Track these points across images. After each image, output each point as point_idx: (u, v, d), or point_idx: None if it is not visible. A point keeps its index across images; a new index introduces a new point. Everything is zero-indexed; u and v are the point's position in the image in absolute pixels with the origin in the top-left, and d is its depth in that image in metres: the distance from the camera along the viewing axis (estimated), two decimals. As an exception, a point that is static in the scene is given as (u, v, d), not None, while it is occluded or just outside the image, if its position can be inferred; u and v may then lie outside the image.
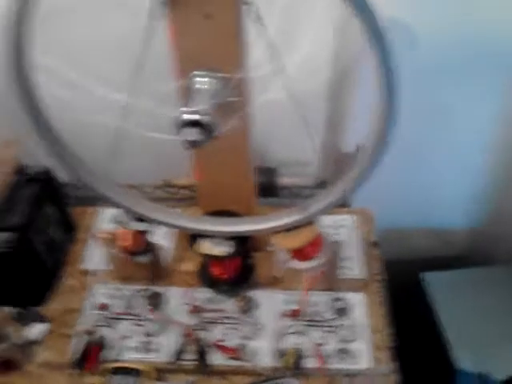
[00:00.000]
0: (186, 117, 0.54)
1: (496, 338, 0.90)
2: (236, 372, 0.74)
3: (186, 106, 0.56)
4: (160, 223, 0.73)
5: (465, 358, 0.86)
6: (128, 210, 0.72)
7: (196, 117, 0.54)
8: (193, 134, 0.54)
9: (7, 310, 0.84)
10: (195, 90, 0.59)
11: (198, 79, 0.59)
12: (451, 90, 0.86)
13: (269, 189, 0.92)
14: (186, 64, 0.60)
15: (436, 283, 0.98)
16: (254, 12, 0.56)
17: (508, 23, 0.77)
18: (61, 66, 0.67)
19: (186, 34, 0.58)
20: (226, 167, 0.73)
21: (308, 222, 0.69)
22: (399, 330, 0.78)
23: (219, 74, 0.59)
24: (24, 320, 0.83)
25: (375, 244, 0.89)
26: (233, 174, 0.74)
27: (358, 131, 0.89)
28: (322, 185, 0.99)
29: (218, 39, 0.58)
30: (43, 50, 0.58)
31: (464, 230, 1.15)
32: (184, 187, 1.03)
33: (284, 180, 0.96)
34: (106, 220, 0.97)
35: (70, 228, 0.96)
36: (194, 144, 0.55)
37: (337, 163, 0.95)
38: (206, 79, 0.59)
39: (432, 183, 1.05)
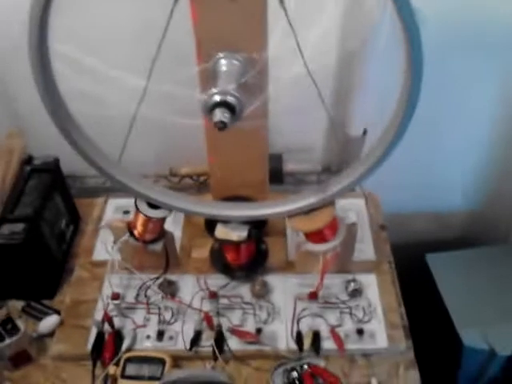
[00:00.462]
0: (218, 98, 0.55)
1: (499, 314, 0.93)
2: (255, 356, 0.74)
3: (212, 88, 0.56)
4: (178, 209, 0.73)
5: (471, 335, 0.89)
6: (144, 197, 0.72)
7: (227, 97, 0.55)
8: (224, 115, 0.55)
9: (18, 303, 0.83)
10: (221, 72, 0.59)
11: (223, 61, 0.60)
12: (454, 67, 0.88)
13: (274, 175, 0.93)
14: (210, 47, 0.60)
15: (439, 264, 1.01)
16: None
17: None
18: (77, 52, 0.66)
19: (210, 16, 0.58)
20: (241, 150, 0.73)
21: (326, 204, 0.70)
22: (407, 310, 0.80)
23: (243, 55, 0.60)
24: (35, 313, 0.82)
25: (383, 227, 0.91)
26: (248, 158, 0.74)
27: (363, 115, 0.92)
28: (327, 170, 1.01)
29: (242, 21, 0.58)
30: (60, 38, 0.57)
31: (463, 212, 1.19)
32: (187, 176, 1.03)
33: (289, 166, 0.97)
34: (111, 211, 0.96)
35: (76, 219, 0.95)
36: (223, 125, 0.56)
37: (343, 147, 0.96)
38: (231, 61, 0.60)
39: (432, 168, 1.08)
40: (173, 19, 0.60)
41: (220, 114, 0.55)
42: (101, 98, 0.74)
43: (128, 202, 0.96)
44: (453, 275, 1.00)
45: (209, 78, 0.62)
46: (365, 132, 0.95)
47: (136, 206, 0.74)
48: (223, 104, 0.55)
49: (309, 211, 0.71)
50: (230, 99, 0.55)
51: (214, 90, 0.56)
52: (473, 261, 1.03)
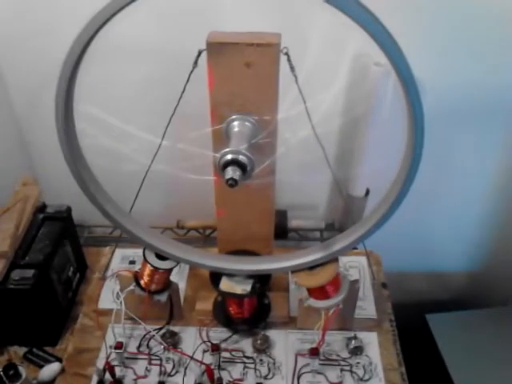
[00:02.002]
0: (230, 157, 0.58)
1: (499, 377, 0.92)
2: (255, 411, 0.74)
3: (225, 147, 0.60)
4: (184, 261, 0.75)
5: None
6: (152, 248, 0.74)
7: (239, 157, 0.58)
8: (235, 173, 0.58)
9: (20, 349, 0.84)
10: (234, 133, 0.63)
11: (236, 123, 0.64)
12: (453, 136, 0.93)
13: (279, 231, 0.95)
14: (224, 109, 0.64)
15: (439, 324, 1.02)
16: (289, 60, 0.62)
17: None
18: (96, 109, 0.71)
19: (226, 81, 0.62)
20: (248, 206, 0.76)
21: (330, 261, 0.72)
22: (407, 370, 0.80)
23: (255, 118, 0.64)
24: (37, 360, 0.82)
25: (384, 285, 0.92)
26: (255, 213, 0.77)
27: (366, 177, 0.96)
28: (330, 228, 1.03)
29: (255, 86, 0.62)
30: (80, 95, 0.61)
31: (463, 273, 1.20)
32: (194, 229, 1.06)
33: (294, 222, 0.99)
34: (118, 260, 0.98)
35: (83, 267, 0.96)
36: (234, 183, 0.59)
37: (346, 206, 0.99)
38: (243, 122, 0.64)
39: (432, 229, 1.10)
40: (190, 81, 0.65)
41: (232, 172, 0.58)
42: (116, 153, 0.78)
43: (134, 252, 0.98)
44: (453, 336, 1.00)
45: (222, 137, 0.66)
46: (367, 193, 0.98)
47: (144, 256, 0.77)
48: (235, 163, 0.59)
49: (312, 267, 0.73)
50: (241, 158, 0.59)
51: (227, 150, 0.59)
52: (473, 322, 1.04)
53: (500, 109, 0.91)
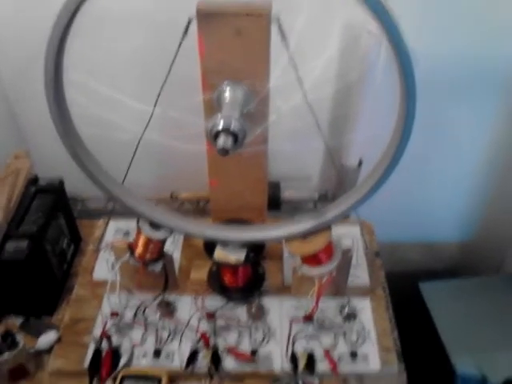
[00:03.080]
0: (222, 125, 0.58)
1: (492, 343, 0.94)
2: (250, 376, 0.76)
3: (217, 115, 0.60)
4: (179, 231, 0.75)
5: (463, 363, 0.90)
6: (146, 218, 0.74)
7: (231, 125, 0.58)
8: (227, 141, 0.58)
9: (17, 319, 0.85)
10: (225, 101, 0.63)
11: (227, 91, 0.63)
12: (446, 107, 0.92)
13: (272, 202, 0.96)
14: (215, 77, 0.64)
15: (432, 293, 1.03)
16: (280, 29, 0.61)
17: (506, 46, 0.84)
18: (87, 77, 0.70)
19: (216, 49, 0.62)
20: (241, 175, 0.76)
21: (323, 229, 0.73)
22: (400, 337, 0.82)
23: (246, 86, 0.63)
24: (34, 329, 0.83)
25: (377, 254, 0.93)
26: (248, 182, 0.77)
27: (359, 147, 0.96)
28: (323, 198, 1.03)
29: (246, 54, 0.62)
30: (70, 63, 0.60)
31: (455, 243, 1.21)
32: (187, 200, 1.06)
33: (287, 194, 0.99)
34: (112, 232, 0.98)
35: (77, 240, 0.97)
36: (225, 151, 0.59)
37: (339, 177, 0.99)
38: (235, 90, 0.63)
39: (424, 199, 1.11)
40: (181, 49, 0.64)
41: (223, 141, 0.58)
42: (108, 122, 0.77)
43: (128, 224, 0.98)
44: (446, 304, 1.01)
45: (213, 106, 0.65)
46: (360, 163, 0.98)
47: (138, 226, 0.77)
48: (227, 131, 0.58)
49: (305, 236, 0.74)
50: (233, 127, 0.59)
51: (218, 118, 0.59)
52: (466, 290, 1.05)
53: (493, 80, 0.91)
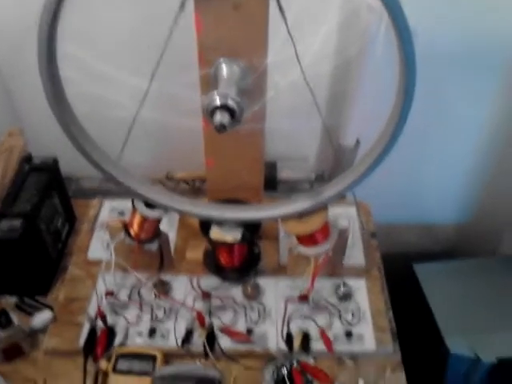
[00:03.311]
0: (219, 101, 0.57)
1: (484, 323, 0.95)
2: (245, 355, 0.75)
3: (213, 91, 0.58)
4: (174, 210, 0.75)
5: (457, 343, 0.91)
6: (142, 197, 0.73)
7: (228, 101, 0.57)
8: (224, 117, 0.57)
9: (11, 298, 0.84)
10: (222, 77, 0.62)
11: (224, 66, 0.62)
12: (445, 85, 0.91)
13: (269, 182, 0.95)
14: (212, 52, 0.62)
15: (427, 274, 1.03)
16: (278, 2, 0.60)
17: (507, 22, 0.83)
18: (81, 52, 0.68)
19: (213, 24, 0.60)
20: (238, 154, 0.75)
21: (319, 209, 0.72)
22: (395, 317, 0.82)
23: (244, 61, 0.62)
24: (28, 309, 0.83)
25: (373, 234, 0.93)
26: (244, 161, 0.76)
27: (357, 126, 0.95)
28: (320, 179, 1.03)
29: (244, 29, 0.61)
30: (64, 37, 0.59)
31: (452, 224, 1.21)
32: (183, 180, 1.05)
33: (283, 174, 0.99)
34: (106, 212, 0.97)
35: (72, 219, 0.96)
36: (223, 128, 0.58)
37: (336, 157, 0.99)
38: (232, 66, 0.62)
39: (421, 180, 1.10)
40: (177, 25, 0.63)
41: (220, 117, 0.57)
42: (103, 98, 0.76)
43: (123, 204, 0.98)
44: (440, 285, 1.02)
45: (210, 82, 0.64)
46: (357, 142, 0.98)
47: (133, 205, 0.76)
48: (224, 107, 0.57)
49: (302, 215, 0.74)
50: (230, 103, 0.58)
51: (215, 94, 0.58)
52: (460, 271, 1.05)
53: (492, 58, 0.90)
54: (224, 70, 0.62)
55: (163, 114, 0.68)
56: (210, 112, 0.58)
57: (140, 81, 0.65)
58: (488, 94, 0.97)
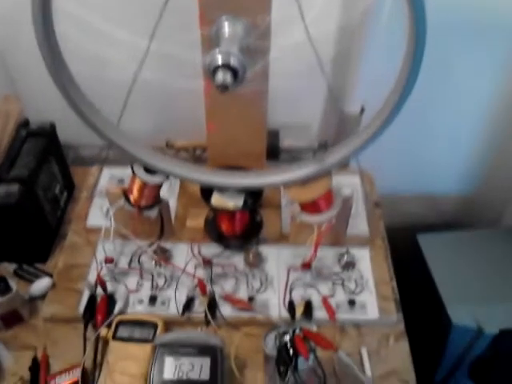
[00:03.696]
0: (220, 59, 0.55)
1: (487, 294, 0.94)
2: (247, 323, 0.75)
3: (215, 50, 0.56)
4: (175, 176, 0.73)
5: (459, 313, 0.90)
6: (142, 162, 0.72)
7: (230, 59, 0.55)
8: (226, 76, 0.55)
9: (10, 266, 0.83)
10: (224, 35, 0.59)
11: (226, 25, 0.60)
12: (452, 54, 0.89)
13: (271, 151, 0.93)
14: (213, 10, 0.60)
15: (430, 244, 1.02)
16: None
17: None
18: (79, 10, 0.65)
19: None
20: (240, 119, 0.73)
21: (323, 175, 0.71)
22: (398, 287, 0.81)
23: (246, 19, 0.60)
24: (27, 276, 0.82)
25: (377, 204, 0.92)
26: (246, 127, 0.74)
27: (361, 92, 0.93)
28: (323, 148, 1.01)
29: (246, -16, 0.58)
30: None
31: (456, 196, 1.20)
32: (183, 149, 1.03)
33: (286, 142, 0.97)
34: (106, 179, 0.96)
35: (70, 187, 0.94)
36: (225, 87, 0.56)
37: (340, 125, 0.96)
38: (234, 24, 0.60)
39: (426, 151, 1.08)
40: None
41: (222, 76, 0.55)
42: (101, 58, 0.73)
43: (123, 172, 0.96)
44: (443, 255, 1.01)
45: (211, 41, 0.62)
46: (362, 110, 0.95)
47: (133, 170, 0.74)
48: (226, 66, 0.55)
49: (305, 182, 0.72)
50: (232, 61, 0.55)
51: (217, 52, 0.56)
52: (463, 242, 1.04)
53: (497, 29, 0.87)
54: (226, 28, 0.60)
55: (163, 76, 0.66)
56: (212, 71, 0.56)
57: (139, 40, 0.62)
58: (496, 66, 0.95)
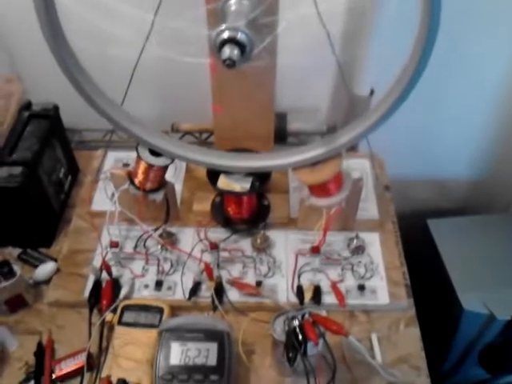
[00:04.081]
0: (227, 34, 0.53)
1: (499, 280, 0.92)
2: (254, 308, 0.74)
3: (222, 24, 0.54)
4: (181, 158, 0.71)
5: (470, 299, 0.88)
6: (147, 144, 0.70)
7: (237, 34, 0.53)
8: (233, 52, 0.53)
9: (14, 250, 0.82)
10: (231, 10, 0.57)
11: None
12: (464, 35, 0.86)
13: (279, 134, 0.91)
14: (220, -17, 0.58)
15: (441, 229, 1.00)
16: None
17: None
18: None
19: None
20: (247, 99, 0.71)
21: (333, 156, 0.69)
22: (409, 273, 0.79)
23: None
24: (32, 260, 0.81)
25: (387, 187, 0.90)
26: (254, 108, 0.73)
27: (371, 74, 0.90)
28: (332, 131, 0.99)
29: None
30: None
31: (466, 181, 1.18)
32: (189, 132, 1.01)
33: (294, 126, 0.95)
34: (110, 163, 0.94)
35: (75, 170, 0.93)
36: (232, 63, 0.54)
37: (349, 107, 0.94)
38: (241, -1, 0.57)
39: (436, 136, 1.06)
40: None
41: (229, 51, 0.53)
42: (105, 35, 0.70)
43: (128, 155, 0.94)
44: (454, 241, 0.99)
45: (218, 16, 0.60)
46: (372, 92, 0.93)
47: (138, 152, 0.73)
48: (233, 41, 0.53)
49: (315, 164, 0.70)
50: (239, 36, 0.53)
51: (224, 27, 0.54)
52: (474, 228, 1.02)
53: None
54: (232, 2, 0.58)
55: (169, 54, 0.64)
56: (219, 46, 0.54)
57: (144, 14, 0.60)
58: (507, 48, 0.92)
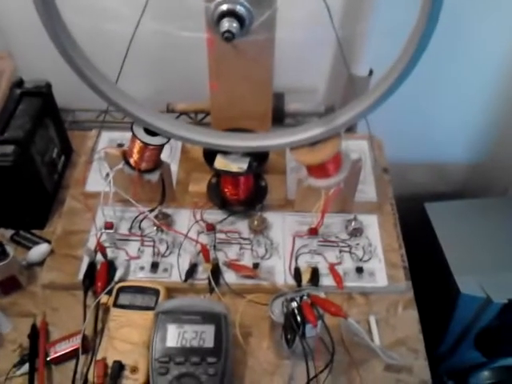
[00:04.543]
0: (226, 6, 0.51)
1: (495, 263, 0.92)
2: (251, 290, 0.73)
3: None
4: (177, 138, 0.70)
5: (467, 283, 0.88)
6: (143, 123, 0.68)
7: (236, 7, 0.51)
8: (232, 24, 0.51)
9: (7, 232, 0.81)
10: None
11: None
12: (463, 17, 0.85)
13: (276, 115, 0.89)
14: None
15: (438, 213, 0.99)
16: None
17: None
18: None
19: None
20: (244, 77, 0.69)
21: (332, 136, 0.68)
22: (406, 256, 0.79)
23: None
24: (25, 242, 0.80)
25: (386, 169, 0.89)
26: (252, 85, 0.71)
27: (370, 54, 0.88)
28: (330, 112, 0.97)
29: None
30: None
31: (464, 164, 1.17)
32: (184, 113, 1.00)
33: (292, 106, 0.93)
34: (104, 143, 0.92)
35: (68, 151, 0.91)
36: (231, 35, 0.52)
37: (347, 88, 0.92)
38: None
39: (434, 119, 1.05)
40: None
41: (228, 24, 0.52)
42: (99, 8, 0.69)
43: (122, 136, 0.93)
44: (452, 224, 0.98)
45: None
46: (371, 72, 0.92)
47: (133, 131, 0.71)
48: (232, 13, 0.52)
49: (313, 144, 0.69)
50: (239, 9, 0.52)
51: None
52: (471, 211, 1.02)
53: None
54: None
55: (164, 28, 0.62)
56: (217, 20, 0.52)
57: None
58: (508, 31, 0.90)
